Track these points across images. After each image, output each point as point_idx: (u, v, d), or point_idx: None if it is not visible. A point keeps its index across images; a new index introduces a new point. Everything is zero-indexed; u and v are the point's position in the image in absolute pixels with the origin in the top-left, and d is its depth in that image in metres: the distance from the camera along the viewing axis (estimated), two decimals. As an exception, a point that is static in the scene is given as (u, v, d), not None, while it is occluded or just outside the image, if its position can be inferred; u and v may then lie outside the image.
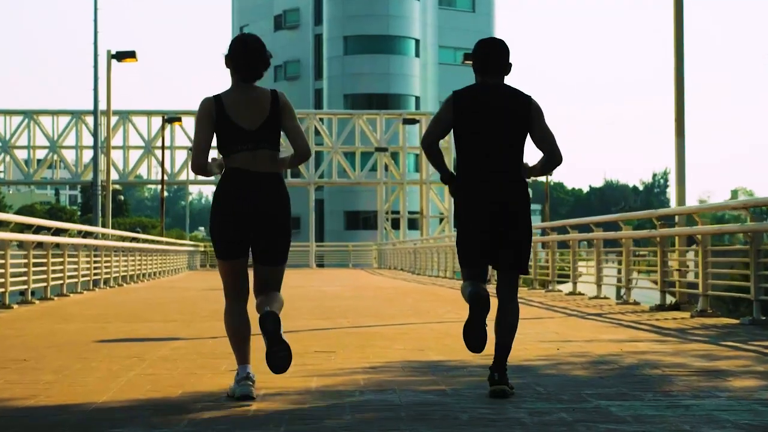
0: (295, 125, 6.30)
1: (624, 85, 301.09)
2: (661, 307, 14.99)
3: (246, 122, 6.16)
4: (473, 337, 6.17)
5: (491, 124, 6.30)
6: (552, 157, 6.40)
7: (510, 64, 6.48)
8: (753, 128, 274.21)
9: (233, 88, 6.32)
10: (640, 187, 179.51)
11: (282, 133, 6.32)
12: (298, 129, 6.30)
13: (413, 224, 73.74)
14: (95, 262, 24.97)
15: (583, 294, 19.73)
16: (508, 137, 6.32)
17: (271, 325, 5.94)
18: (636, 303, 16.54)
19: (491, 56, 6.46)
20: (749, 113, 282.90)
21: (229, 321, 6.39)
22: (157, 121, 61.06)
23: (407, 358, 8.30)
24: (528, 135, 6.40)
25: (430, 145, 6.47)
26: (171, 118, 52.13)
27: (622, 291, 21.48)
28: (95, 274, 24.97)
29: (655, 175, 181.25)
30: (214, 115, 6.19)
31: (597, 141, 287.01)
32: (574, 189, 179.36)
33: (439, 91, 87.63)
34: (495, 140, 6.31)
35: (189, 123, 62.76)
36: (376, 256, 62.94)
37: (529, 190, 6.54)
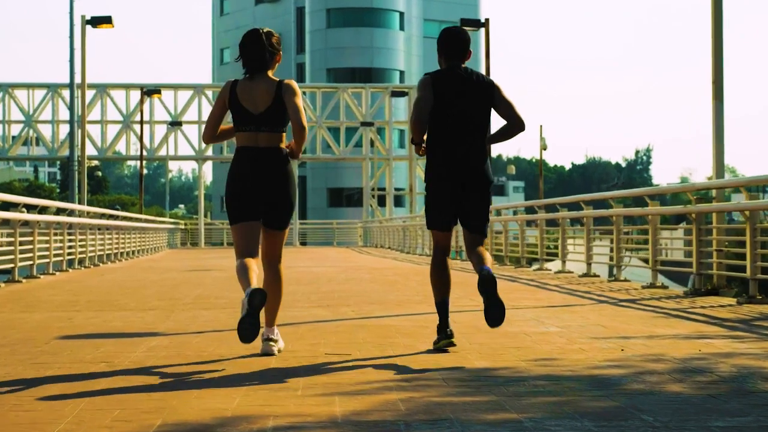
0: (293, 102, 7.11)
1: (604, 60, 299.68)
2: (698, 292, 13.41)
3: (251, 106, 7.10)
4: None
5: (460, 103, 7.24)
6: (515, 123, 7.33)
7: (470, 51, 7.40)
8: (733, 105, 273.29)
9: (249, 76, 7.25)
10: (623, 164, 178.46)
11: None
12: (295, 106, 7.10)
13: (398, 201, 72.07)
14: (69, 240, 23.32)
15: (598, 275, 18.16)
16: (474, 115, 7.28)
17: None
18: (664, 287, 14.96)
19: (456, 44, 7.39)
20: (729, 90, 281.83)
21: (239, 270, 6.97)
22: (135, 95, 59.27)
23: (443, 364, 6.64)
24: (493, 111, 7.40)
25: (422, 124, 7.27)
26: (150, 91, 50.32)
27: (615, 270, 19.96)
28: (69, 254, 23.31)
29: (637, 152, 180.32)
30: (227, 96, 7.18)
31: (578, 118, 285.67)
32: (556, 166, 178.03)
33: (424, 65, 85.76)
34: (463, 118, 7.26)
35: (168, 96, 60.99)
36: (361, 234, 61.26)
37: (489, 163, 7.49)
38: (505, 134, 7.42)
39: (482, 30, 29.48)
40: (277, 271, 7.33)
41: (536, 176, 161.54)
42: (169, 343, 8.02)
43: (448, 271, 7.46)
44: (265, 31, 7.31)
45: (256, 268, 6.95)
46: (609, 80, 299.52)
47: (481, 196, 7.37)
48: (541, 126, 59.86)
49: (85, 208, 28.16)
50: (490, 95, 7.33)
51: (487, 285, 6.78)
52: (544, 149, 58.60)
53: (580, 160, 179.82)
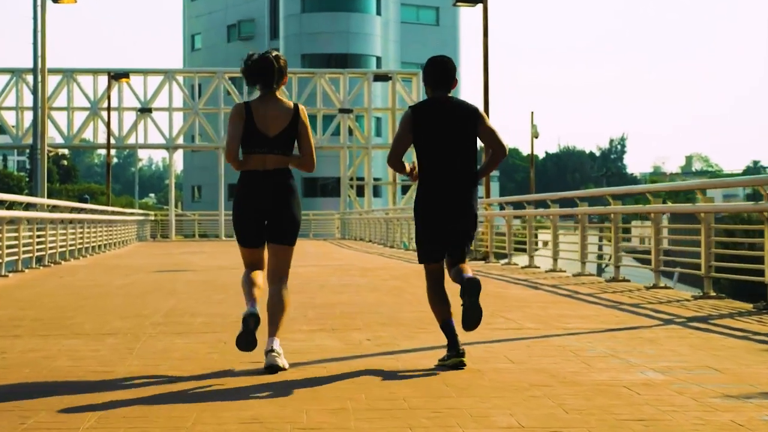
0: (307, 140, 7.37)
1: (578, 49, 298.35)
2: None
3: (267, 130, 7.22)
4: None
5: (444, 133, 7.26)
6: (498, 149, 7.35)
7: (456, 80, 7.39)
8: (708, 94, 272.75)
9: (260, 97, 7.34)
10: (597, 153, 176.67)
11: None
12: (308, 145, 7.38)
13: (376, 191, 69.67)
14: (26, 237, 20.86)
15: (628, 281, 15.87)
16: (459, 143, 7.27)
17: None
18: (720, 296, 12.68)
19: (440, 74, 7.38)
20: (705, 81, 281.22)
21: (244, 281, 7.35)
22: (103, 81, 56.44)
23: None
24: (478, 138, 7.39)
25: (396, 162, 7.40)
26: (117, 75, 47.77)
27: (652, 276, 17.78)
28: (25, 252, 20.84)
29: (612, 141, 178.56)
30: (244, 118, 7.24)
31: (551, 106, 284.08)
32: (529, 155, 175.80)
33: (401, 51, 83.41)
34: (448, 146, 7.26)
35: (138, 82, 58.36)
36: (339, 226, 58.78)
37: (479, 189, 7.54)
38: (490, 164, 7.49)
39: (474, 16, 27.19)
40: (281, 290, 7.23)
41: (508, 166, 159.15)
42: (129, 408, 5.61)
43: (444, 292, 7.33)
44: (273, 55, 7.37)
45: (260, 280, 7.33)
46: (582, 69, 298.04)
47: (466, 226, 7.34)
48: (532, 113, 57.35)
49: (45, 201, 25.67)
50: (473, 123, 7.30)
51: (472, 290, 6.87)
52: (536, 137, 55.91)
53: (553, 149, 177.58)
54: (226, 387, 6.21)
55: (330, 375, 6.66)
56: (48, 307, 12.08)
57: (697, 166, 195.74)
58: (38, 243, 22.25)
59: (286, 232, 7.27)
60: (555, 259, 19.22)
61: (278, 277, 7.28)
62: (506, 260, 22.59)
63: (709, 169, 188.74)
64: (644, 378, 6.45)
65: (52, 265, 23.04)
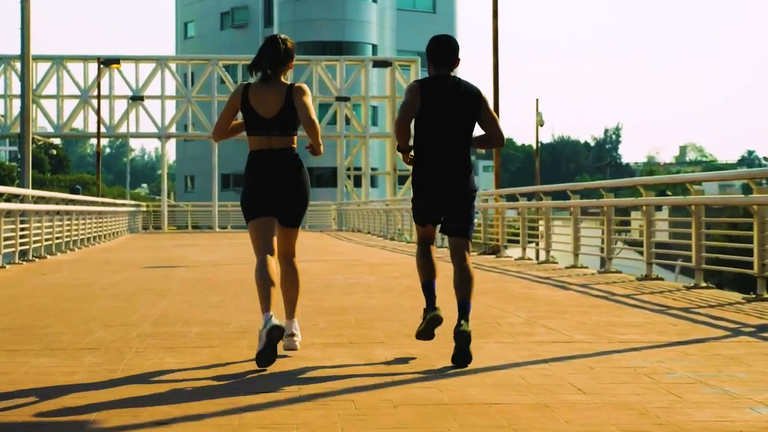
0: (302, 101, 7.21)
1: (571, 44, 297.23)
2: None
3: (263, 110, 7.23)
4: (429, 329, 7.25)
5: (446, 110, 7.28)
6: (496, 137, 7.46)
7: (458, 59, 7.46)
8: (701, 86, 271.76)
9: (261, 79, 7.31)
10: (592, 143, 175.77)
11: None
12: (303, 104, 7.20)
13: (373, 181, 68.33)
14: (8, 229, 19.51)
15: (661, 279, 14.57)
16: (459, 122, 7.30)
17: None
18: (774, 299, 11.37)
19: (443, 52, 7.45)
20: (700, 72, 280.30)
21: (258, 276, 7.13)
22: (94, 69, 54.99)
23: None
24: (477, 120, 7.37)
25: (405, 128, 7.24)
26: (108, 60, 46.29)
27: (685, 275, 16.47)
28: (7, 246, 19.48)
29: (606, 131, 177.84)
30: (239, 100, 7.30)
31: (545, 97, 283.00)
32: (524, 145, 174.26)
33: (398, 38, 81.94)
34: (448, 124, 7.29)
35: (129, 69, 56.88)
36: (335, 217, 57.37)
37: (473, 167, 7.47)
38: (483, 143, 7.52)
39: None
40: (292, 265, 7.54)
41: (503, 155, 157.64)
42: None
43: (432, 256, 7.45)
44: (282, 37, 7.40)
45: (275, 275, 7.18)
46: (577, 62, 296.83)
47: (463, 205, 7.37)
48: (537, 100, 55.71)
49: (30, 192, 24.26)
50: (476, 105, 7.34)
51: (462, 343, 6.87)
52: (541, 125, 54.42)
53: (547, 139, 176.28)
54: (231, 433, 4.84)
55: (360, 414, 5.27)
56: (24, 312, 10.70)
57: (691, 156, 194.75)
58: (22, 236, 20.91)
59: (294, 215, 7.40)
60: (576, 255, 17.84)
61: (288, 257, 7.52)
62: (519, 255, 21.26)
63: (704, 159, 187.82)
64: (761, 418, 5.09)
65: (37, 259, 21.70)
